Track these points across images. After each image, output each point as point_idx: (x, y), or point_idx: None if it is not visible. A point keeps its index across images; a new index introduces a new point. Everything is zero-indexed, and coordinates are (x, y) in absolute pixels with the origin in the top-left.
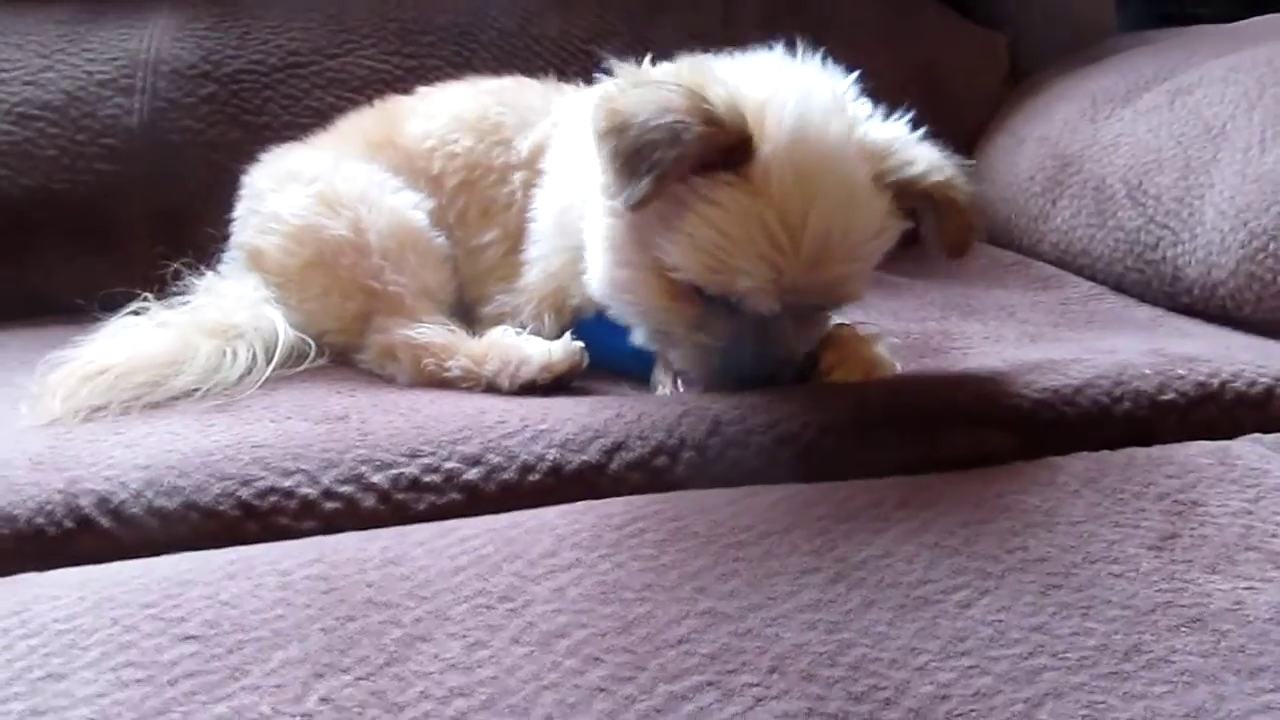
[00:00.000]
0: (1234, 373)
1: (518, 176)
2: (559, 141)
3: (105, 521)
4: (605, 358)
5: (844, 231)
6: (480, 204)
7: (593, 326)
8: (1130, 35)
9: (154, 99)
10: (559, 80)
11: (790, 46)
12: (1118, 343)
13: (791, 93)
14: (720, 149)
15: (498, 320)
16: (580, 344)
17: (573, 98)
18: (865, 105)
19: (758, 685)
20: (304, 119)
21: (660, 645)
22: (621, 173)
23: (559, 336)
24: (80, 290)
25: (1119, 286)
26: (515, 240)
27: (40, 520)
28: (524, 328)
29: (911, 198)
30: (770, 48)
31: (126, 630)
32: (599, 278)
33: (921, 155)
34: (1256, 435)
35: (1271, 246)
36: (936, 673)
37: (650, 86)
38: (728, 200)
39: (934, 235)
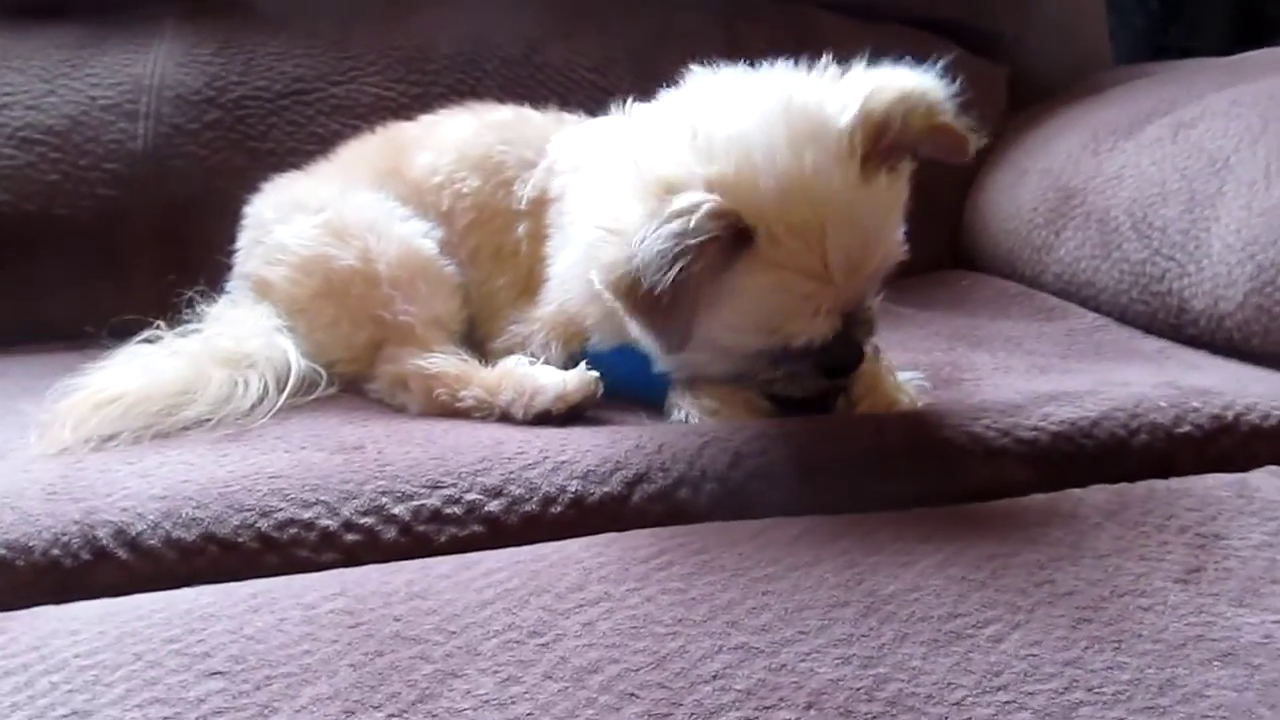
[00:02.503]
0: (1248, 405)
1: (522, 227)
2: (558, 192)
3: (123, 553)
4: (618, 384)
5: (861, 237)
6: (491, 246)
7: (604, 353)
8: (1127, 68)
9: (158, 124)
10: (562, 108)
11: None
12: (1129, 375)
13: (756, 151)
14: (726, 249)
15: (509, 351)
16: (595, 374)
17: (567, 136)
18: (818, 84)
19: None
20: (308, 145)
21: (695, 680)
22: (651, 328)
23: (566, 365)
24: (82, 316)
25: (1124, 318)
26: (525, 284)
27: (56, 552)
28: (536, 358)
29: (907, 145)
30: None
31: (150, 666)
32: (675, 364)
33: (893, 107)
34: (1272, 467)
35: (1279, 280)
36: (974, 708)
37: (638, 238)
38: (748, 284)
39: (933, 153)
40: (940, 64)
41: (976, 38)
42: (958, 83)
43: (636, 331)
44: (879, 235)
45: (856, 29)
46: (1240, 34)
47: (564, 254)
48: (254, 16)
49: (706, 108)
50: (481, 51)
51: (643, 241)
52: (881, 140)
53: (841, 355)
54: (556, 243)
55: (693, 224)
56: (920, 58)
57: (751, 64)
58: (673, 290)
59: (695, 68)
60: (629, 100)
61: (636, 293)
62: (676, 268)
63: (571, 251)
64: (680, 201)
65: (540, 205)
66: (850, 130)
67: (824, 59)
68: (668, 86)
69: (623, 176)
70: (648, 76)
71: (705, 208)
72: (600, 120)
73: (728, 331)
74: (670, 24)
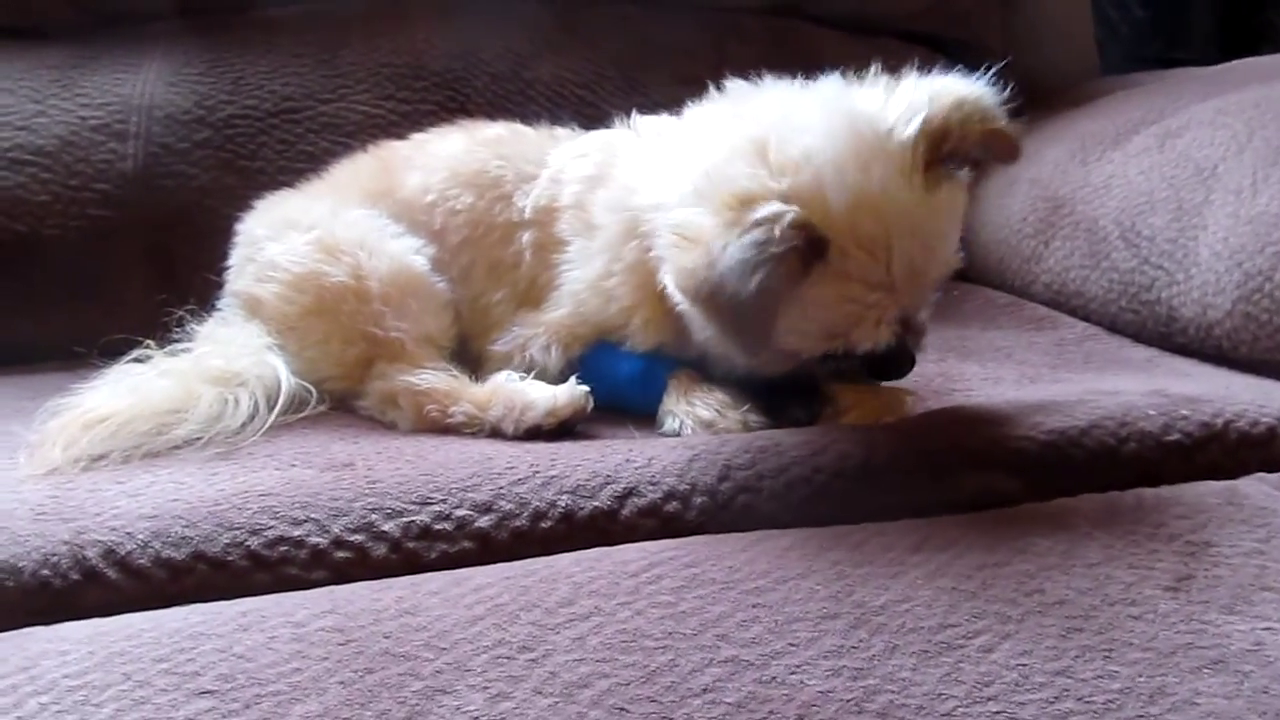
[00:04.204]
0: (1236, 413)
1: (525, 237)
2: (572, 200)
3: (112, 573)
4: (613, 391)
5: (923, 247)
6: (486, 262)
7: (601, 360)
8: (1115, 78)
9: (148, 144)
10: (552, 124)
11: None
12: (1118, 383)
13: (828, 167)
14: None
15: (508, 356)
16: (585, 388)
17: (570, 147)
18: (872, 95)
19: None
20: (298, 164)
21: (685, 695)
22: (732, 334)
23: (563, 371)
24: (73, 336)
25: (1113, 327)
26: (526, 295)
27: (45, 572)
28: (529, 371)
29: (965, 152)
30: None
31: (139, 686)
32: (735, 358)
33: (951, 117)
34: (1261, 475)
35: (1267, 287)
36: (964, 718)
37: (718, 248)
38: (818, 294)
39: (989, 157)
40: (990, 72)
41: (961, 49)
42: (1007, 89)
43: (706, 333)
44: (940, 244)
45: (845, 43)
46: (1226, 44)
47: (595, 261)
48: (243, 36)
49: (768, 122)
50: (470, 68)
51: (725, 249)
52: (942, 148)
53: (894, 361)
54: (577, 248)
55: (776, 233)
56: (907, 70)
57: (746, 77)
58: (756, 297)
59: (735, 80)
60: (634, 114)
61: (718, 299)
62: (760, 275)
63: (612, 256)
64: (763, 211)
65: (549, 214)
66: (913, 141)
67: (874, 70)
68: (657, 101)
69: (688, 187)
70: (637, 92)
71: (788, 218)
72: (608, 132)
73: (794, 336)
74: (659, 40)
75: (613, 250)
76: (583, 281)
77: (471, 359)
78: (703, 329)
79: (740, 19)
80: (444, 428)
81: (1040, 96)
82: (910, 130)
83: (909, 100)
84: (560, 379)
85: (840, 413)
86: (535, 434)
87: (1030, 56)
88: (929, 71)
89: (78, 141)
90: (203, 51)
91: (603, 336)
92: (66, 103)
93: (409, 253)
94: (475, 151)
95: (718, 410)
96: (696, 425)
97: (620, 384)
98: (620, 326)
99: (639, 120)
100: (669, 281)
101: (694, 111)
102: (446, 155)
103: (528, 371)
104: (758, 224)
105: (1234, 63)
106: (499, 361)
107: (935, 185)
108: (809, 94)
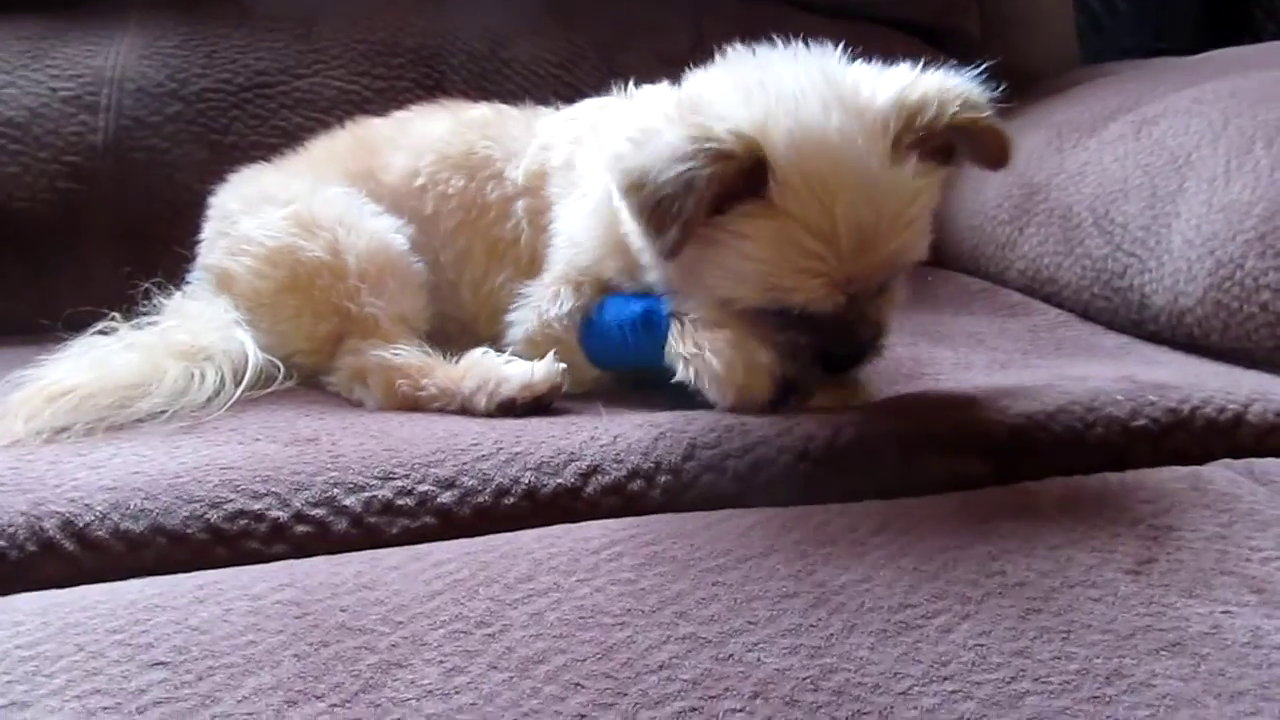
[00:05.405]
0: (1204, 399)
1: (520, 205)
2: (561, 161)
3: (69, 545)
4: (619, 339)
5: (876, 214)
6: (485, 243)
7: (606, 306)
8: (1093, 67)
9: (119, 117)
10: (533, 104)
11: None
12: (1088, 370)
13: (786, 101)
14: (738, 179)
15: (525, 317)
16: (562, 365)
17: (556, 117)
18: (860, 69)
19: (741, 711)
20: (271, 139)
21: (641, 671)
22: (649, 227)
23: (578, 313)
24: (40, 310)
25: (1086, 314)
26: (529, 269)
27: (2, 543)
28: (545, 313)
29: (939, 137)
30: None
31: (92, 657)
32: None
33: (929, 93)
34: (1226, 460)
35: (1238, 275)
36: (920, 698)
37: (657, 137)
38: (754, 229)
39: (971, 157)
40: (979, 68)
41: (944, 36)
42: (999, 89)
43: (640, 241)
44: (897, 219)
45: (823, 26)
46: (1207, 35)
47: (577, 207)
48: (217, 9)
49: (751, 68)
50: (447, 46)
51: (662, 138)
52: (915, 125)
53: (841, 344)
54: (563, 206)
55: (715, 133)
56: (887, 56)
57: None
58: (677, 188)
59: (735, 46)
60: (630, 84)
61: (642, 189)
62: (686, 166)
63: (587, 202)
64: (709, 119)
65: (540, 178)
66: (885, 109)
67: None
68: (635, 82)
69: (662, 116)
70: (615, 73)
71: (729, 125)
72: (601, 98)
73: (728, 280)
74: (637, 20)
75: (590, 195)
76: (565, 232)
77: (475, 342)
78: (638, 242)
79: (719, 1)
80: (414, 403)
81: (1019, 84)
82: (883, 97)
83: (891, 77)
84: (576, 330)
85: (802, 398)
86: (509, 409)
87: (1010, 44)
88: (918, 61)
89: (48, 113)
90: (176, 24)
91: (601, 284)
92: (37, 74)
93: (388, 231)
94: (462, 133)
95: (730, 343)
96: (700, 351)
97: (625, 329)
98: (607, 273)
99: (635, 90)
100: (612, 183)
101: (693, 76)
102: (434, 137)
103: (550, 322)
104: (700, 126)
105: (1211, 53)
106: (520, 325)
107: (902, 159)
108: (803, 57)
